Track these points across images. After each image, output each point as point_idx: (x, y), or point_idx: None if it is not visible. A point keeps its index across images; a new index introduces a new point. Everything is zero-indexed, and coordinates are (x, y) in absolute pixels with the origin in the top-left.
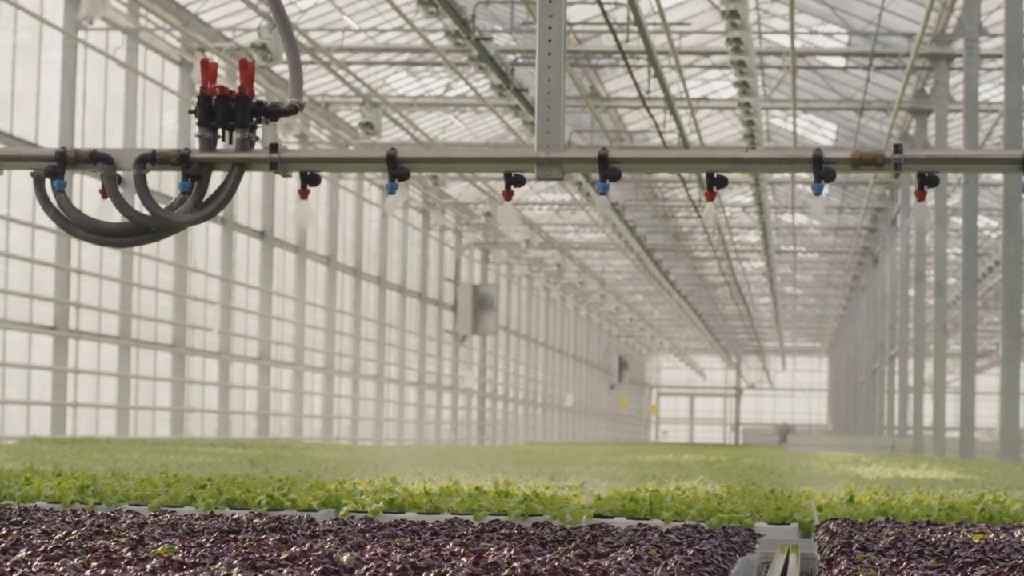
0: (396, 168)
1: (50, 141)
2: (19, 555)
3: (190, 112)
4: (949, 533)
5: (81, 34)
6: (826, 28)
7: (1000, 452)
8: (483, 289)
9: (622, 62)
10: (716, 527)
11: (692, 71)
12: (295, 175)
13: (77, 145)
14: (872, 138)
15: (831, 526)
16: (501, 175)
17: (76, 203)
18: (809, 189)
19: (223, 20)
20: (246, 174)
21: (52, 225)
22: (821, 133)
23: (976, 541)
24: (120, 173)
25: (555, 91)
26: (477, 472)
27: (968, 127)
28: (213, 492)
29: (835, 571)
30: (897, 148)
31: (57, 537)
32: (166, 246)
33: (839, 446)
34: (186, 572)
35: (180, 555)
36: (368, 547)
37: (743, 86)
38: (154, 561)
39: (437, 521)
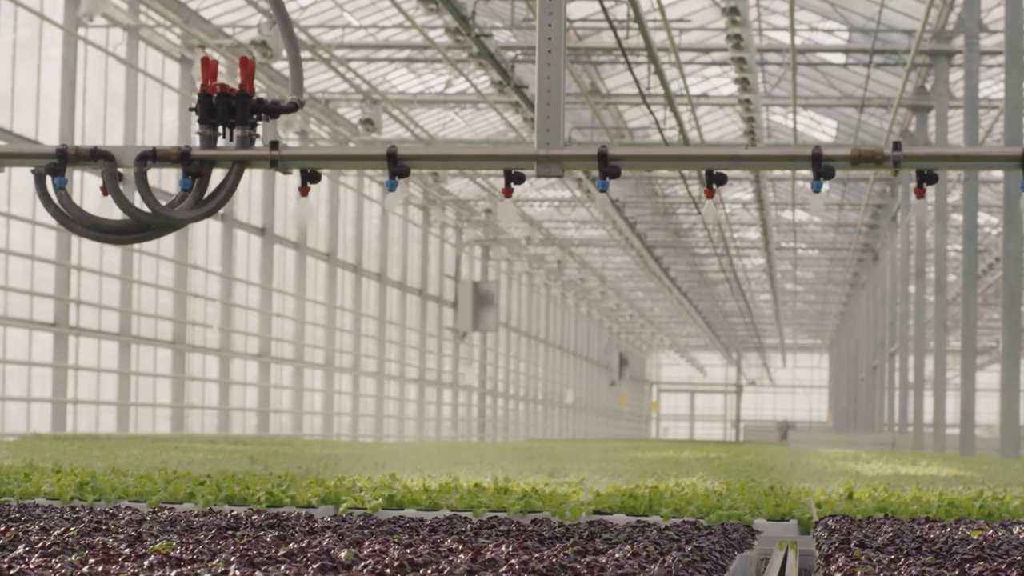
0: (396, 165)
1: (50, 138)
2: (17, 552)
3: (191, 109)
4: (948, 530)
5: (81, 31)
6: (826, 25)
7: (1000, 449)
8: (483, 286)
9: (622, 59)
10: (715, 524)
11: (692, 68)
12: (295, 172)
13: (77, 142)
14: (872, 135)
15: (830, 523)
16: (501, 172)
17: (77, 200)
18: (809, 186)
19: (223, 17)
20: (246, 171)
21: (52, 222)
22: (821, 130)
23: (975, 538)
24: (121, 170)
25: (555, 88)
26: (477, 469)
27: (968, 124)
28: (212, 489)
29: (833, 568)
30: (896, 146)
31: (55, 534)
32: (166, 243)
33: (839, 443)
34: (184, 569)
35: (178, 551)
36: (366, 544)
37: (743, 83)
38: (152, 558)
39: (436, 518)
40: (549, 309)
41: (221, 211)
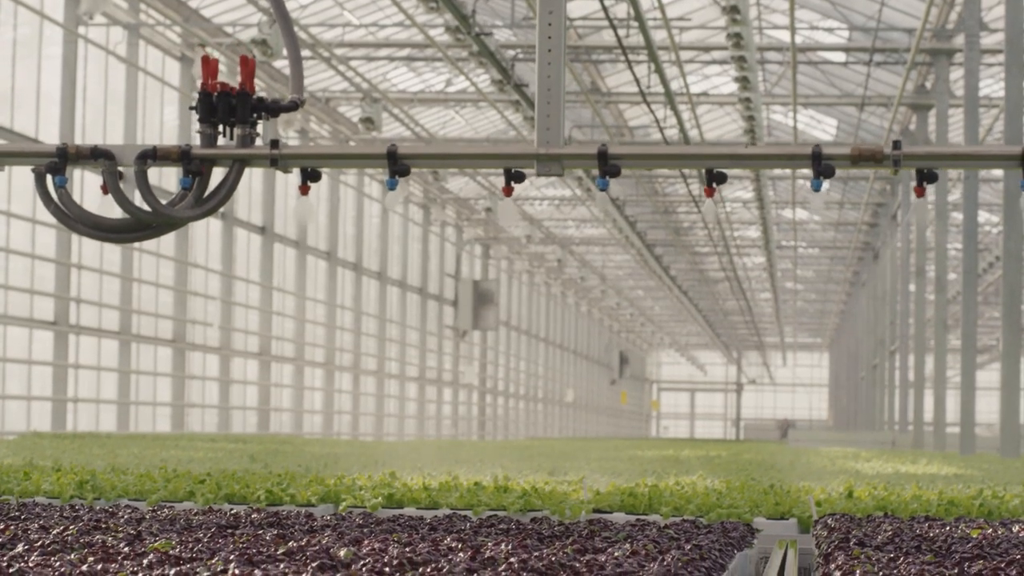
0: (396, 164)
1: (51, 137)
2: (16, 550)
3: (191, 108)
4: (947, 528)
5: (81, 30)
6: (827, 23)
7: (1000, 448)
8: (484, 284)
9: (622, 57)
10: (714, 522)
11: (693, 66)
12: (296, 171)
13: (77, 141)
14: (873, 133)
15: (829, 521)
16: (501, 171)
17: (77, 199)
18: (809, 184)
19: (223, 16)
20: (247, 170)
21: (53, 220)
22: (822, 128)
23: (974, 536)
24: (121, 169)
25: (555, 87)
26: (477, 467)
27: (968, 122)
28: (212, 487)
29: (832, 566)
30: (896, 145)
31: (54, 532)
32: (167, 241)
33: (839, 441)
34: (183, 567)
35: (177, 550)
36: (366, 542)
37: (743, 81)
38: (151, 556)
39: (435, 516)
40: (549, 308)
41: (221, 210)
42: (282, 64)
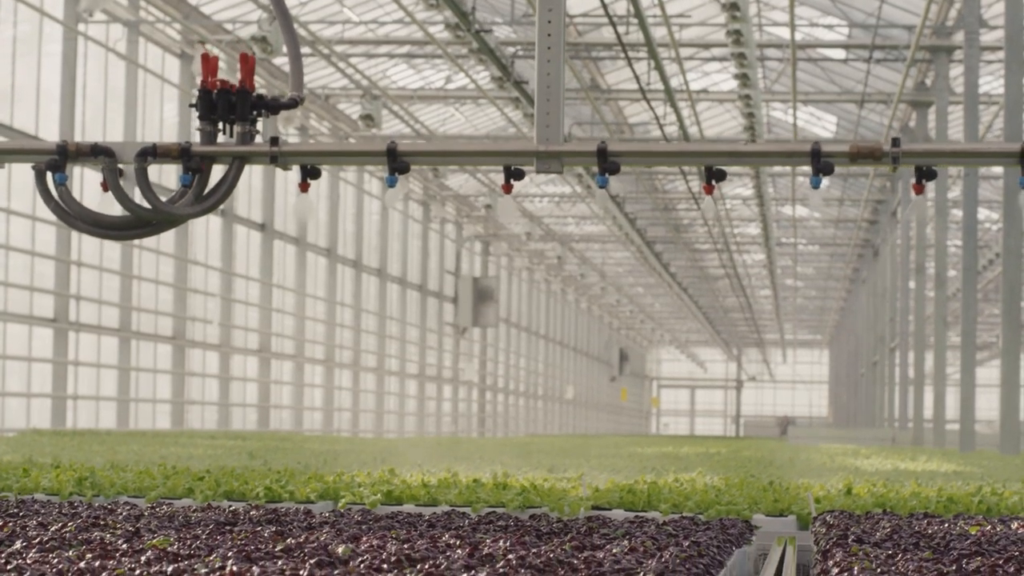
0: (396, 161)
1: (50, 134)
2: (14, 547)
3: (191, 106)
4: (946, 525)
5: (81, 27)
6: (826, 20)
7: (1000, 444)
8: (484, 281)
9: (622, 54)
10: (713, 519)
11: (692, 63)
12: (295, 168)
13: (77, 138)
14: (872, 130)
15: (828, 518)
16: (501, 168)
17: (77, 196)
18: (809, 182)
19: (223, 12)
20: (246, 167)
21: (52, 217)
22: (821, 125)
23: (973, 533)
24: (121, 166)
25: (554, 84)
26: (476, 464)
27: (968, 119)
28: (211, 484)
29: (830, 563)
30: (895, 142)
31: (53, 529)
32: (166, 238)
33: (839, 438)
34: (181, 564)
35: (175, 547)
36: (364, 539)
37: (743, 78)
38: (149, 553)
39: (434, 513)
40: (549, 305)
41: (221, 207)
42: (282, 61)
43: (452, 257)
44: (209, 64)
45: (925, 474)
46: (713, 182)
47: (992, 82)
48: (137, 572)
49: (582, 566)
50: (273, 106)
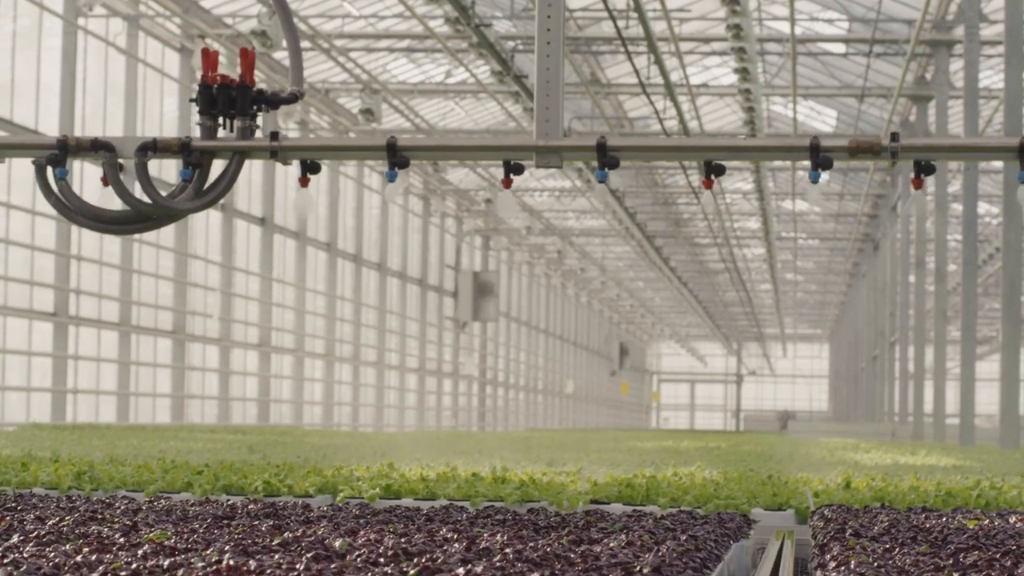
0: (396, 156)
1: (50, 128)
2: (11, 540)
3: (191, 101)
4: (944, 519)
5: (81, 21)
6: (826, 15)
7: (1000, 439)
8: (484, 276)
9: (622, 49)
10: (711, 513)
11: (692, 58)
12: (295, 163)
13: (77, 132)
14: (872, 125)
15: (826, 512)
16: (501, 162)
17: (77, 191)
18: (808, 176)
19: (223, 7)
20: (246, 161)
21: (52, 212)
22: (822, 120)
23: (970, 527)
24: (121, 161)
25: (554, 79)
26: (475, 458)
27: (968, 114)
28: (210, 478)
29: (828, 557)
30: (894, 137)
31: (50, 523)
32: (166, 233)
33: (839, 432)
34: (177, 558)
35: (172, 540)
36: (361, 533)
37: (743, 73)
38: (146, 547)
39: (433, 507)
40: (549, 299)
41: (221, 201)
42: (282, 55)
43: (452, 251)
44: (209, 59)
45: (924, 468)
46: (712, 176)
47: (992, 76)
48: (134, 566)
49: (579, 560)
50: (273, 101)
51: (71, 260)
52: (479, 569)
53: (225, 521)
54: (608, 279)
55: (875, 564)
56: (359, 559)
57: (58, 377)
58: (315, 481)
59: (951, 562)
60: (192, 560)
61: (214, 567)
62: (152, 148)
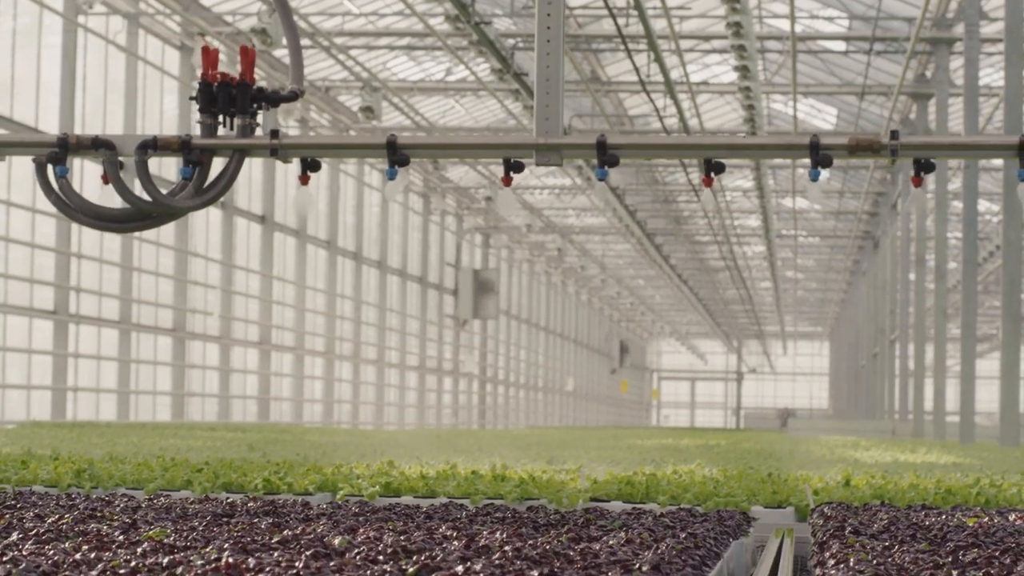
0: (396, 154)
1: (50, 126)
2: (10, 538)
3: (191, 99)
4: (944, 517)
5: (81, 19)
6: (826, 12)
7: (1000, 436)
8: (484, 273)
9: (622, 46)
10: (711, 511)
11: (692, 55)
12: (296, 161)
13: (77, 130)
14: (873, 122)
15: (826, 510)
16: (501, 160)
17: (76, 188)
18: (808, 174)
19: (223, 4)
20: (247, 159)
21: (52, 209)
22: (822, 117)
23: (970, 525)
24: (121, 159)
25: (554, 77)
26: (475, 456)
27: (968, 112)
28: (209, 476)
29: (827, 554)
30: (894, 135)
31: (50, 521)
32: (166, 230)
33: (839, 430)
34: (177, 555)
35: (172, 538)
36: (361, 531)
37: (743, 70)
38: (145, 544)
39: (432, 505)
40: (549, 297)
41: (221, 199)
42: (282, 53)
43: (452, 249)
44: (209, 57)
45: (924, 466)
46: (712, 174)
47: (992, 74)
48: (133, 564)
49: (578, 558)
50: (273, 99)
51: (71, 258)
52: (478, 567)
53: (224, 519)
54: (608, 277)
55: (874, 562)
56: (358, 557)
57: (58, 375)
58: (315, 479)
59: (950, 560)
60: (191, 558)
61: (213, 565)
62: (152, 146)
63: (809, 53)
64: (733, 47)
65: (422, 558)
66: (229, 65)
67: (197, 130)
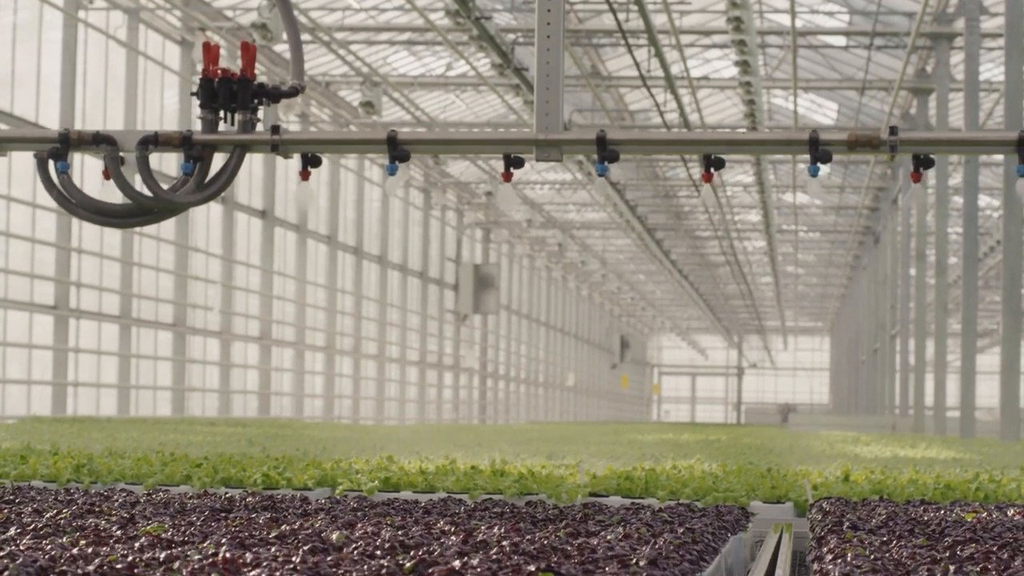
0: (396, 150)
1: (51, 121)
2: (8, 533)
3: (192, 94)
4: (942, 512)
5: (82, 13)
6: (827, 7)
7: (1000, 431)
8: (484, 268)
9: (623, 41)
10: (710, 506)
11: (693, 50)
12: (296, 156)
13: (78, 125)
14: (873, 117)
15: (825, 505)
16: (501, 156)
17: (77, 183)
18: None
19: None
20: (247, 155)
21: (53, 204)
22: (822, 112)
23: (968, 520)
24: (122, 154)
25: (554, 73)
26: (475, 451)
27: (969, 107)
28: (209, 471)
29: (825, 549)
30: (893, 130)
31: (48, 516)
32: (167, 225)
33: (840, 425)
34: (174, 550)
35: (170, 533)
36: (359, 526)
37: (744, 65)
38: (143, 539)
39: (431, 500)
40: (550, 292)
41: (222, 194)
42: (282, 48)
43: (453, 244)
44: (210, 53)
45: (924, 461)
46: (712, 170)
47: (993, 69)
48: (130, 558)
49: (576, 552)
50: (274, 94)
51: (72, 253)
52: (475, 561)
53: (223, 514)
54: (609, 272)
55: (872, 557)
56: (356, 552)
57: (59, 370)
58: (314, 474)
59: (948, 555)
60: (188, 552)
61: (210, 559)
62: (153, 142)
63: (810, 48)
64: (734, 42)
65: (419, 553)
66: (229, 60)
67: (198, 126)
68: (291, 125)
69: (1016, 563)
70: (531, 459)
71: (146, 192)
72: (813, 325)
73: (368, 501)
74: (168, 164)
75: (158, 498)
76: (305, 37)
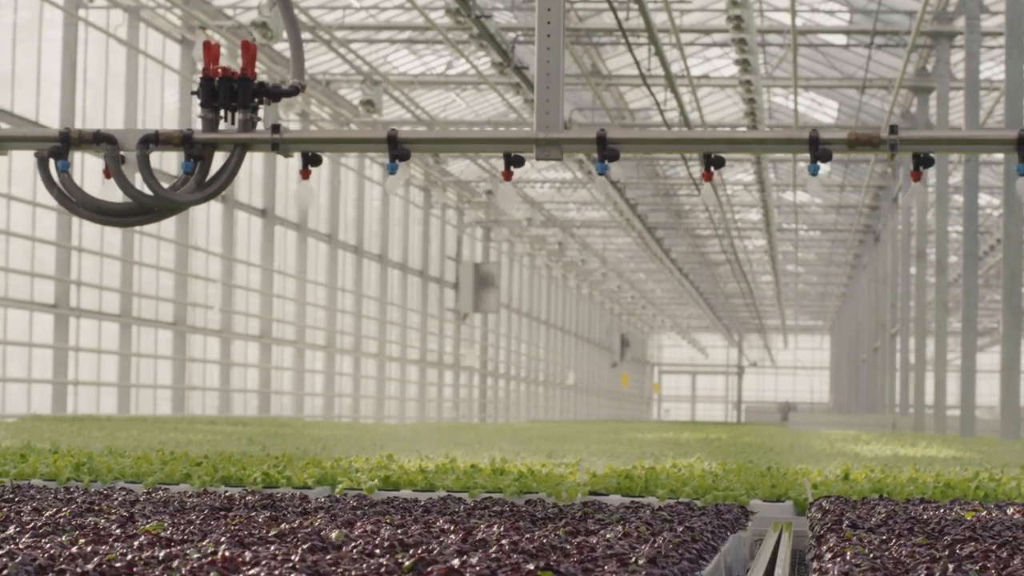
0: (397, 149)
1: (51, 120)
2: (7, 532)
3: (193, 93)
4: (942, 511)
5: (82, 12)
6: (827, 6)
7: (1000, 430)
8: (485, 267)
9: (623, 40)
10: (709, 505)
11: (693, 49)
12: (297, 155)
13: (78, 123)
14: (873, 116)
15: (824, 503)
16: (501, 154)
17: (78, 182)
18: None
19: None
20: (248, 153)
21: (53, 203)
22: (823, 111)
23: (968, 519)
24: (123, 153)
25: (554, 72)
26: (475, 450)
27: (969, 105)
28: (208, 470)
29: (824, 548)
30: (893, 129)
31: (47, 514)
32: (167, 224)
33: (840, 424)
34: (173, 549)
35: (169, 532)
36: (358, 524)
37: (744, 64)
38: (142, 538)
39: (431, 499)
40: (550, 290)
41: (222, 193)
42: (283, 47)
43: (453, 243)
44: (211, 52)
45: (924, 460)
46: (712, 169)
47: (993, 68)
48: (129, 557)
49: (575, 551)
50: (275, 93)
51: (72, 252)
52: (474, 560)
53: (222, 512)
54: (609, 270)
55: (871, 555)
56: (355, 550)
57: (59, 369)
58: (314, 473)
59: (947, 553)
60: (187, 551)
61: (209, 558)
62: (154, 141)
63: (810, 47)
64: (734, 41)
65: (419, 551)
66: (229, 59)
67: (198, 124)
68: (291, 124)
69: (1015, 562)
70: (531, 458)
71: (147, 191)
72: (813, 324)
73: (368, 500)
74: (168, 163)
75: (158, 497)
76: (305, 36)
